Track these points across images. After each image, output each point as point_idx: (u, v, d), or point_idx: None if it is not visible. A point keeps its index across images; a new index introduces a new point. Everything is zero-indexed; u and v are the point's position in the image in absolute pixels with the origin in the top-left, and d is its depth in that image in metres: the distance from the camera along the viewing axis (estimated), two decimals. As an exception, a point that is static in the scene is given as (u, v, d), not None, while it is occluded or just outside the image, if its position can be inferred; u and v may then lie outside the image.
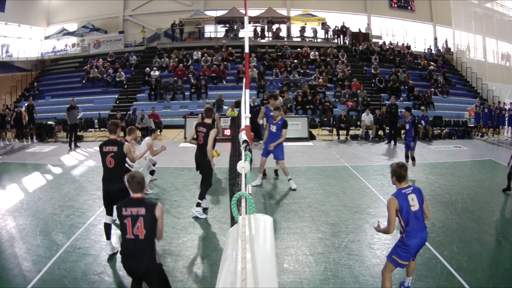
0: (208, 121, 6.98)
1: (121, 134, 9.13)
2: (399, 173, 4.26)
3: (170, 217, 6.95)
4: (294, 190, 8.39)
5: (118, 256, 5.48)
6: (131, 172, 3.90)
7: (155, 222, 3.60)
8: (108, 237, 5.58)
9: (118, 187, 5.35)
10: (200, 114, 8.09)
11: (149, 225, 3.56)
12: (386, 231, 4.31)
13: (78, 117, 14.13)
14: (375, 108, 16.49)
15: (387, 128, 15.06)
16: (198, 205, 6.88)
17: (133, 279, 3.80)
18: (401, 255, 4.27)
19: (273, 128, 8.49)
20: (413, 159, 10.09)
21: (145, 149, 7.63)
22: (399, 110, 14.81)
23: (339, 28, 24.81)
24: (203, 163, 6.90)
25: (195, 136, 7.02)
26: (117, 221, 3.85)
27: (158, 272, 3.67)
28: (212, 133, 6.72)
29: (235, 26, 24.24)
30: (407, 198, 4.19)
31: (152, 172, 8.73)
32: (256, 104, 15.02)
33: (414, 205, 4.19)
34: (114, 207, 5.09)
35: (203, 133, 6.83)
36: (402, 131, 16.00)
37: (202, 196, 6.88)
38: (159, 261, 3.68)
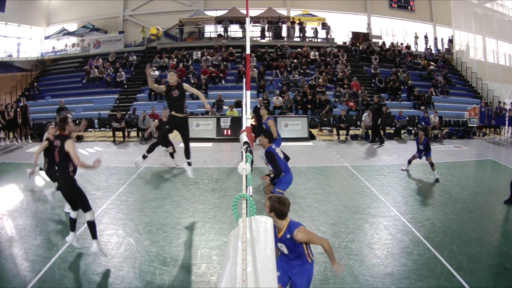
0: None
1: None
2: (280, 210, 3.46)
3: (170, 217, 6.95)
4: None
5: (118, 256, 5.50)
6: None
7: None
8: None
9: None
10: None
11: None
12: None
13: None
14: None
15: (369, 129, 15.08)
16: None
17: None
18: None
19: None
20: (432, 164, 9.71)
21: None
22: (389, 109, 14.86)
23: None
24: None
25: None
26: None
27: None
28: None
29: (229, 28, 24.31)
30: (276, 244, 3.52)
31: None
32: (262, 105, 14.88)
33: (284, 250, 3.62)
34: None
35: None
36: (403, 131, 16.03)
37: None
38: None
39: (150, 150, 8.26)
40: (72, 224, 5.50)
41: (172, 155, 10.21)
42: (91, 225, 5.30)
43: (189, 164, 7.77)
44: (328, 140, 15.09)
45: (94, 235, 5.32)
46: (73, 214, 5.48)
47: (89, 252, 5.59)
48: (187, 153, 7.76)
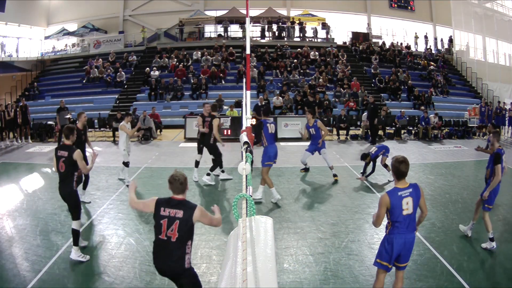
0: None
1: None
2: (398, 169, 3.91)
3: (170, 217, 6.94)
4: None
5: (118, 256, 5.50)
6: (173, 172, 3.79)
7: (191, 227, 3.58)
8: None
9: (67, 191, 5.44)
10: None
11: (183, 229, 3.53)
12: (373, 223, 4.14)
13: (67, 117, 14.24)
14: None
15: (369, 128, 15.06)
16: (208, 174, 9.02)
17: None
18: (382, 255, 4.07)
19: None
20: (386, 165, 9.38)
21: (123, 132, 8.67)
22: (389, 109, 14.81)
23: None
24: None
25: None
26: None
27: (187, 276, 3.62)
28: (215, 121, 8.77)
29: (229, 28, 24.35)
30: (401, 201, 3.88)
31: (126, 164, 8.89)
32: (263, 104, 15.20)
33: (408, 209, 3.90)
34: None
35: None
36: (403, 131, 16.02)
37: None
38: (188, 266, 3.61)
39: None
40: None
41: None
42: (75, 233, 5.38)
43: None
44: (328, 140, 15.06)
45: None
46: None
47: (89, 252, 5.59)
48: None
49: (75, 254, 5.29)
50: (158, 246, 3.61)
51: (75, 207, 5.42)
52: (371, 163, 9.34)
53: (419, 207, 4.05)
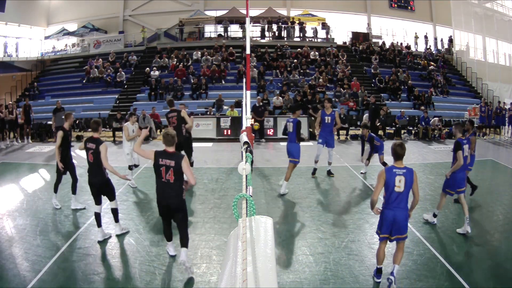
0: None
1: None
2: (394, 151, 4.66)
3: (170, 217, 6.94)
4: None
5: (118, 256, 5.50)
6: (166, 129, 4.94)
7: (182, 171, 4.80)
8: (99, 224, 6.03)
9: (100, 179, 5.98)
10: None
11: (177, 173, 4.79)
12: (372, 198, 4.83)
13: (63, 117, 14.23)
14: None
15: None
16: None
17: (164, 217, 5.12)
18: (379, 225, 4.83)
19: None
20: (385, 164, 9.45)
21: (125, 133, 8.70)
22: (389, 109, 14.83)
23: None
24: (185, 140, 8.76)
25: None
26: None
27: (182, 209, 4.97)
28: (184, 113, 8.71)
29: (229, 28, 24.36)
30: (394, 177, 4.54)
31: (130, 167, 8.87)
32: (261, 104, 15.23)
33: (399, 187, 4.54)
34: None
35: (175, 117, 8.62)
36: (403, 131, 16.01)
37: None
38: (184, 197, 4.94)
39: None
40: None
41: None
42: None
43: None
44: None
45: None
46: (97, 209, 6.02)
47: (89, 252, 5.60)
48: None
49: (119, 229, 6.10)
50: (160, 187, 4.90)
51: (111, 192, 6.07)
52: (368, 146, 9.69)
53: (412, 191, 4.65)
